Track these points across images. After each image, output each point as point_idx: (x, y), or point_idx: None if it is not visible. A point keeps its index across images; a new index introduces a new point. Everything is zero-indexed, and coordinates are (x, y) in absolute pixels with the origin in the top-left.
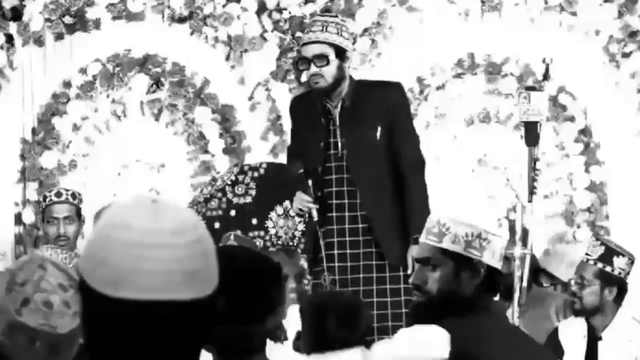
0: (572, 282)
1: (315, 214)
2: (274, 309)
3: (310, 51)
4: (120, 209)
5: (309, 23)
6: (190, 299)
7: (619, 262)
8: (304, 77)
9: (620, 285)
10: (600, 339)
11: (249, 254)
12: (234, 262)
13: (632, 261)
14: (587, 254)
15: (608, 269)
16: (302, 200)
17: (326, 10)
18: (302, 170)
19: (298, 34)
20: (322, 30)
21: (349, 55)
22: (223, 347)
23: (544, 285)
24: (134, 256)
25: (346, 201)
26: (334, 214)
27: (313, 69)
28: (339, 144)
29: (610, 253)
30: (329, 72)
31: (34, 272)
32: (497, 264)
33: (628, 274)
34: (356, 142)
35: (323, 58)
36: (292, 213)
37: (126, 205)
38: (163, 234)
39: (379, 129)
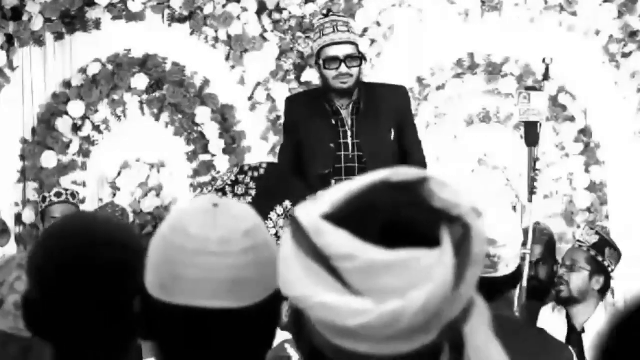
0: (560, 266)
1: None
2: None
3: (341, 51)
4: (180, 212)
5: (327, 22)
6: (238, 307)
7: (610, 255)
8: (305, 77)
9: (606, 278)
10: (584, 331)
11: None
12: None
13: (619, 257)
14: (579, 241)
15: (599, 258)
16: None
17: (328, 10)
18: (328, 170)
19: (298, 34)
20: (348, 30)
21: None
22: None
23: None
24: (181, 262)
25: None
26: None
27: (344, 69)
28: (350, 146)
29: (603, 243)
30: (356, 72)
31: (11, 272)
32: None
33: (613, 270)
34: (374, 144)
35: (355, 59)
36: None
37: (187, 208)
38: (210, 242)
39: (392, 131)
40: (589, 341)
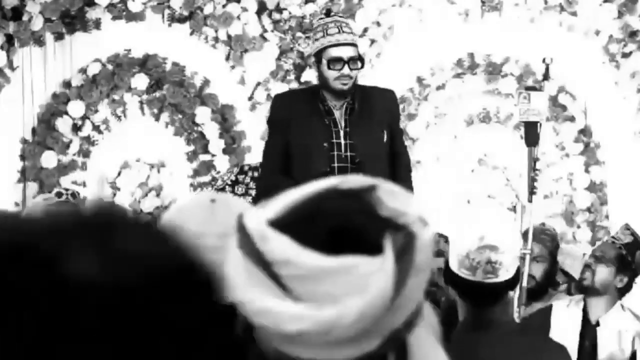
0: (589, 256)
1: None
2: None
3: (345, 52)
4: (179, 207)
5: (330, 22)
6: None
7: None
8: (305, 77)
9: (630, 279)
10: (598, 324)
11: None
12: None
13: None
14: (613, 237)
15: (629, 258)
16: None
17: (328, 10)
18: (328, 169)
19: (298, 34)
20: (351, 32)
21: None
22: None
23: (560, 283)
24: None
25: None
26: None
27: (346, 70)
28: (343, 146)
29: (636, 245)
30: (356, 74)
31: None
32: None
33: (638, 274)
34: (367, 145)
35: (356, 61)
36: None
37: (185, 204)
38: (209, 236)
39: (385, 132)
40: (603, 335)
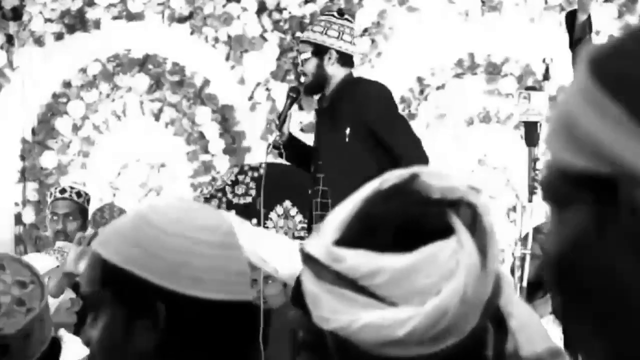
0: None
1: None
2: None
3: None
4: (189, 212)
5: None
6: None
7: None
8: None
9: None
10: None
11: None
12: None
13: None
14: None
15: None
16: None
17: (327, 10)
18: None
19: (298, 33)
20: (307, 30)
21: (333, 52)
22: None
23: None
24: (220, 256)
25: (319, 200)
26: (314, 213)
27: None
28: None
29: None
30: (308, 69)
31: None
32: None
33: None
34: (325, 142)
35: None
36: (292, 213)
37: (194, 207)
38: (173, 236)
39: (348, 129)
40: None
